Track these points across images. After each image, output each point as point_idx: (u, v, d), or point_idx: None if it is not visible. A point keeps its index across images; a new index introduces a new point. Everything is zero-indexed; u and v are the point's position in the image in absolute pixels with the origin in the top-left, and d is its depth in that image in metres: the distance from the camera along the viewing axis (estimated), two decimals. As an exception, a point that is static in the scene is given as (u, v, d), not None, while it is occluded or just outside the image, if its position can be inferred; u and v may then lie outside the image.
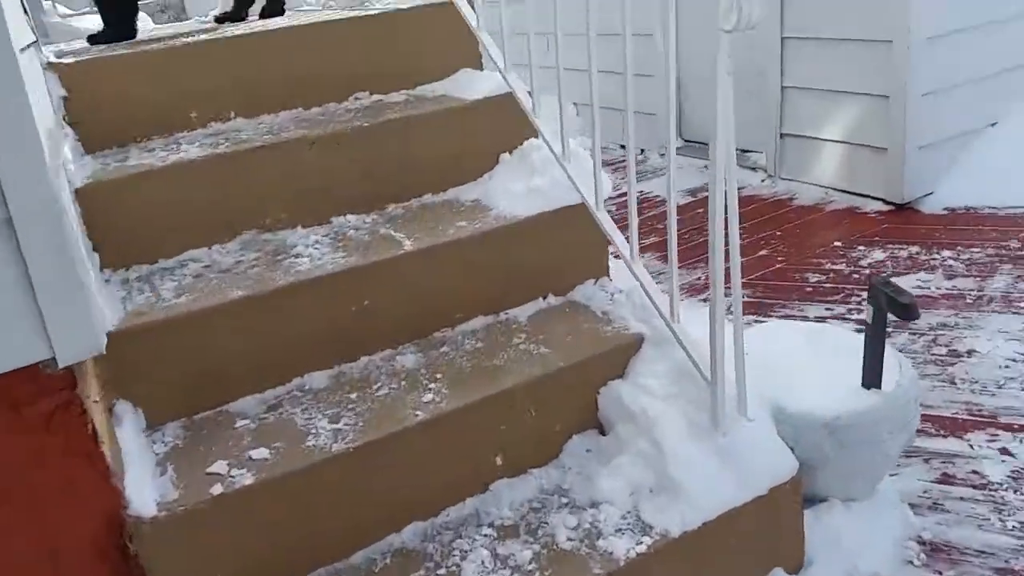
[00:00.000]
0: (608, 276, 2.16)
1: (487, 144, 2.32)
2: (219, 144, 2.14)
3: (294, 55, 2.40)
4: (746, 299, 2.38)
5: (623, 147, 4.14)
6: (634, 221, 1.81)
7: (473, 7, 2.39)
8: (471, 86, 2.44)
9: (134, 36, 2.92)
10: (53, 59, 2.13)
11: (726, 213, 1.47)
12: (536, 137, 2.23)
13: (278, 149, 2.12)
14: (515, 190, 2.13)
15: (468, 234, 2.01)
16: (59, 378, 1.37)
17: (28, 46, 1.87)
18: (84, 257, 1.36)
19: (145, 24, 3.90)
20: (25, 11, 2.05)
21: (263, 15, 3.17)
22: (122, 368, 1.73)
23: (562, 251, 2.10)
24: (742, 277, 1.55)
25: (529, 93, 2.19)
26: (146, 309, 1.81)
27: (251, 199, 2.11)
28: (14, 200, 1.26)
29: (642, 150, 5.09)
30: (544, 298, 2.10)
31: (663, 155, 4.25)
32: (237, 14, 3.18)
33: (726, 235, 1.49)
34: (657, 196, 4.48)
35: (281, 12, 3.20)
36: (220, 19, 3.15)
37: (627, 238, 1.84)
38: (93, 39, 2.89)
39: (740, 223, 1.51)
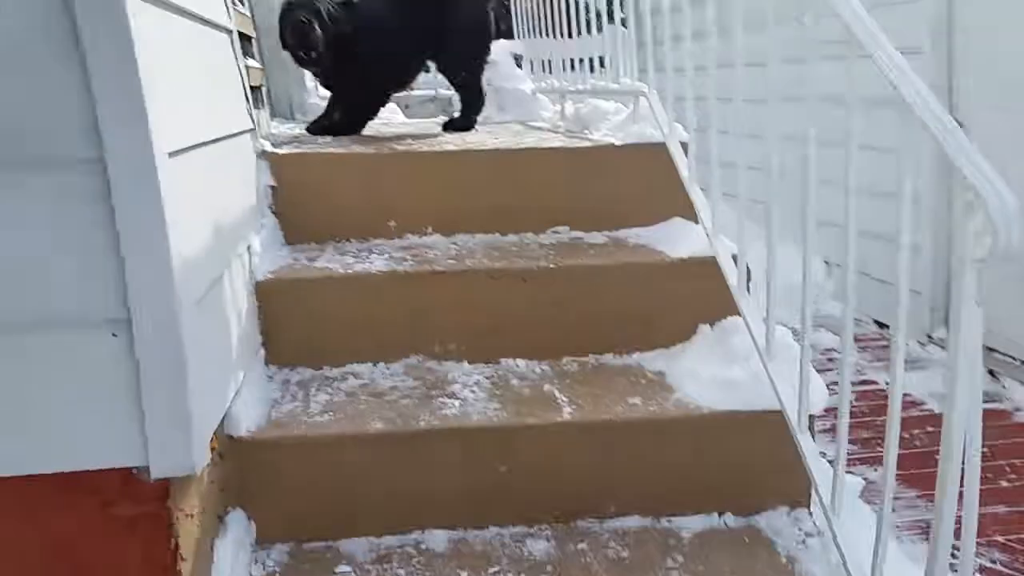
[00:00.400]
0: (808, 508, 1.76)
1: (685, 311, 2.08)
2: (405, 259, 2.09)
3: (499, 177, 2.33)
4: (998, 567, 1.78)
5: (880, 324, 3.68)
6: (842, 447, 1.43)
7: (687, 154, 2.20)
8: (676, 241, 2.21)
9: (358, 132, 3.01)
10: (268, 148, 2.19)
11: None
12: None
13: (460, 277, 2.02)
14: (706, 375, 1.86)
15: (640, 416, 1.76)
16: (150, 488, 1.30)
17: (240, 132, 1.93)
18: (199, 387, 1.29)
19: (394, 116, 4.12)
20: (247, 98, 2.13)
21: (446, 127, 3.16)
22: (248, 476, 1.67)
23: (752, 462, 1.76)
24: (982, 536, 1.12)
25: (734, 257, 1.92)
26: (288, 420, 1.73)
27: (425, 323, 2.02)
28: (135, 302, 1.23)
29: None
30: (720, 515, 1.75)
31: (924, 344, 3.63)
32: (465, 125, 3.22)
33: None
34: (908, 396, 3.60)
35: (468, 128, 3.18)
36: (446, 126, 3.21)
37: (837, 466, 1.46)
38: (313, 127, 3.01)
39: (1013, 457, 1.09)
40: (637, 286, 2.09)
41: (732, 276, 1.90)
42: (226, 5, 2.05)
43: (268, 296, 1.92)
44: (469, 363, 2.04)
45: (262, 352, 1.93)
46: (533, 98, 3.90)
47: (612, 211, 2.40)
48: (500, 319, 2.05)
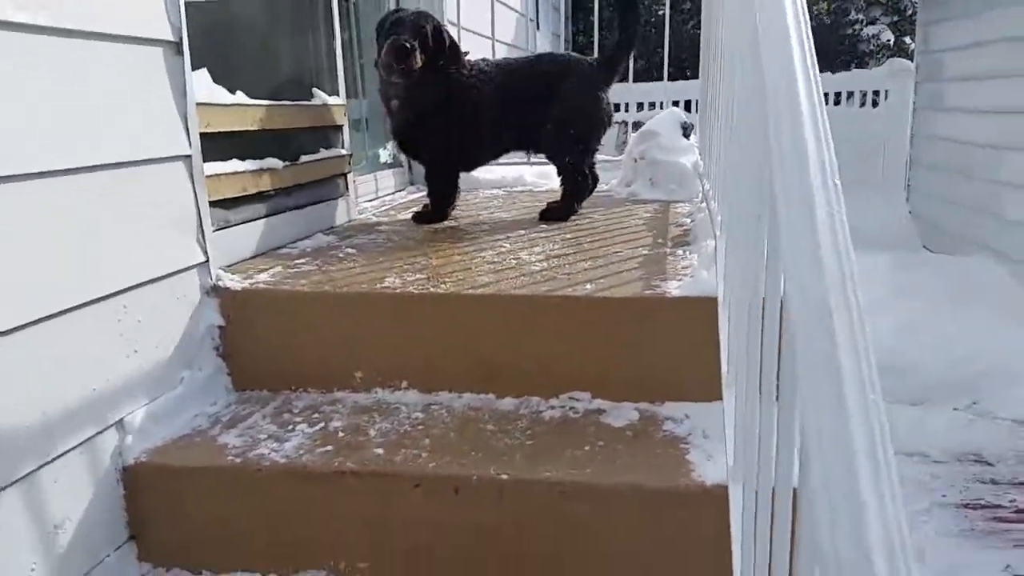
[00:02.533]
0: None
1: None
2: (338, 437, 1.61)
3: (510, 323, 1.75)
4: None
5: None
6: None
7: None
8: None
9: (445, 216, 2.68)
10: (224, 282, 1.84)
11: None
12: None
13: (378, 482, 1.49)
14: None
15: None
16: None
17: (157, 279, 1.61)
18: None
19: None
20: (201, 229, 1.79)
21: (543, 215, 2.69)
22: None
23: None
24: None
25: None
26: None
27: (337, 532, 1.53)
28: None
29: None
30: None
31: None
32: (563, 213, 2.65)
33: None
34: None
35: (565, 217, 2.68)
36: (544, 215, 2.67)
37: None
38: (417, 217, 2.69)
39: None
40: (642, 522, 1.40)
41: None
42: (186, 128, 1.75)
43: (138, 482, 1.56)
44: (381, 596, 1.51)
45: (132, 547, 1.58)
46: (694, 175, 3.17)
47: (653, 378, 1.70)
48: (429, 537, 1.49)
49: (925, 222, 5.74)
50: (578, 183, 2.66)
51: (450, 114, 2.55)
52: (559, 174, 2.70)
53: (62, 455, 1.41)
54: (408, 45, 2.39)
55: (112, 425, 1.54)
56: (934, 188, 5.63)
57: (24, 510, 1.32)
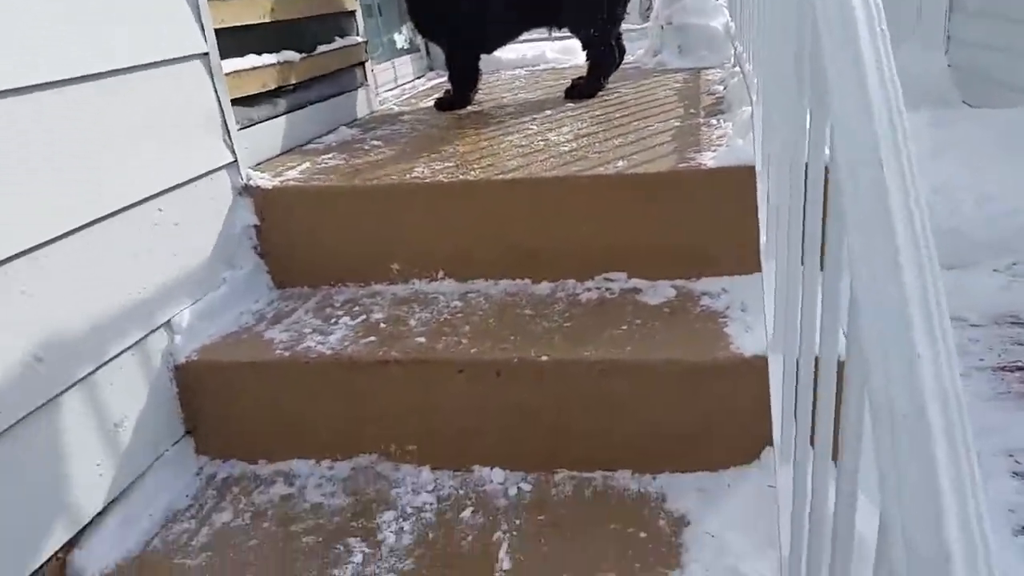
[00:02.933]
0: None
1: (747, 426, 1.38)
2: (380, 328, 1.64)
3: (540, 207, 1.73)
4: None
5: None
6: None
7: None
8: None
9: (467, 102, 2.61)
10: (254, 181, 1.82)
11: None
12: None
13: (421, 368, 1.52)
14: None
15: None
16: None
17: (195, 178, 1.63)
18: None
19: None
20: (226, 128, 1.77)
21: (569, 93, 2.60)
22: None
23: None
24: None
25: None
26: (155, 559, 1.43)
27: (385, 418, 1.58)
28: None
29: None
30: None
31: None
32: (589, 90, 2.57)
33: None
34: None
35: (591, 94, 2.59)
36: (569, 93, 2.59)
37: None
38: (439, 104, 2.63)
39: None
40: (681, 396, 1.42)
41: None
42: (200, 24, 1.69)
43: (190, 380, 1.61)
44: (432, 470, 1.58)
45: (189, 441, 1.65)
46: (725, 38, 3.03)
47: (689, 254, 1.68)
48: (472, 419, 1.53)
49: (965, 74, 5.44)
50: (604, 56, 2.56)
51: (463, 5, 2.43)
52: (584, 48, 2.59)
53: (115, 357, 1.46)
54: None
55: (160, 326, 1.58)
56: (976, 36, 5.30)
57: (85, 411, 1.38)
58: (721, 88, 2.40)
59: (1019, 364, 2.55)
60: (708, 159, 1.65)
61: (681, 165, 1.65)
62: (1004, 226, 3.34)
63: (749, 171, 1.51)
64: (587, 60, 2.59)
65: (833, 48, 0.56)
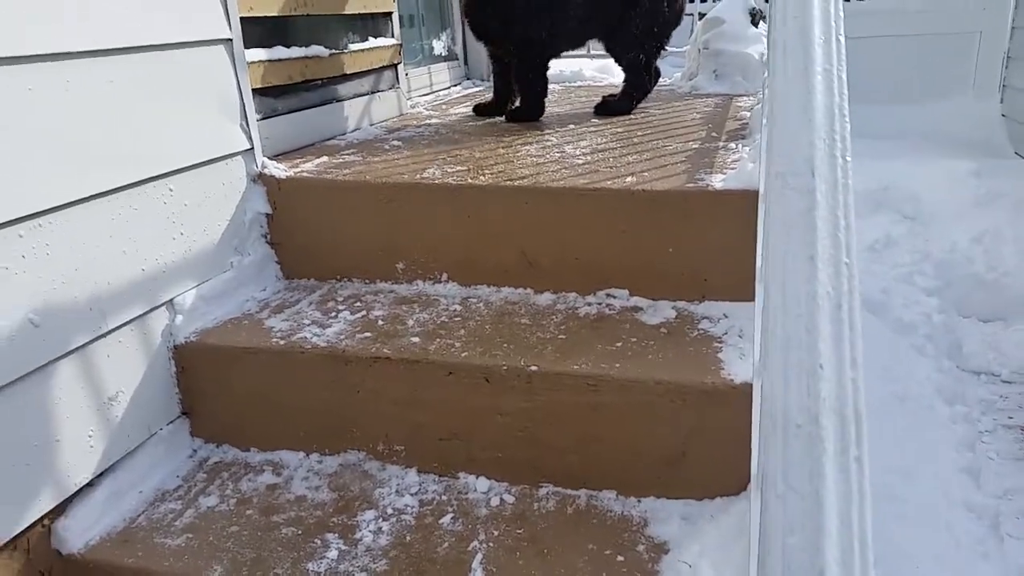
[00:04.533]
0: None
1: (728, 453, 1.36)
2: (378, 325, 1.65)
3: (554, 218, 1.73)
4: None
5: None
6: None
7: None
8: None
9: (540, 116, 2.55)
10: (269, 170, 1.85)
11: None
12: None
13: (412, 368, 1.52)
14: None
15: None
16: None
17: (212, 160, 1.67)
18: None
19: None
20: (245, 115, 1.80)
21: (599, 110, 2.60)
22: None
23: None
24: None
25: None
26: (138, 536, 1.45)
27: (375, 415, 1.58)
28: None
29: None
30: None
31: None
32: (622, 107, 2.57)
33: None
34: None
35: (625, 112, 2.59)
36: (599, 109, 2.59)
37: None
38: (479, 108, 2.66)
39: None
40: (668, 418, 1.40)
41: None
42: (226, 10, 1.73)
43: (189, 361, 1.64)
44: (419, 473, 1.58)
45: (185, 423, 1.67)
46: (760, 65, 3.01)
47: (692, 276, 1.67)
48: (470, 424, 1.53)
49: (1020, 124, 5.33)
50: (643, 80, 2.58)
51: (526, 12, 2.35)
52: (625, 68, 2.59)
53: (114, 330, 1.48)
54: None
55: (163, 304, 1.61)
56: (1032, 86, 5.20)
57: (78, 380, 1.41)
58: (748, 114, 2.38)
59: (1049, 426, 2.47)
60: (717, 181, 1.64)
61: (689, 185, 1.64)
62: (1045, 283, 3.25)
63: (755, 195, 1.50)
64: (625, 80, 2.59)
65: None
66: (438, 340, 1.58)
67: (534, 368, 1.46)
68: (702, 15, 3.39)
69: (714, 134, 2.16)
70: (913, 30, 6.00)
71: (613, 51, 2.61)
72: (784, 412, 0.41)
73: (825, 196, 0.44)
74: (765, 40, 3.06)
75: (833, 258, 0.44)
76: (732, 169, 1.71)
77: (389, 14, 2.63)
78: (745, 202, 1.54)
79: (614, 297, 1.73)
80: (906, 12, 6.07)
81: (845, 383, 0.42)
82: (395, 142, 2.25)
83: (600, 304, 1.71)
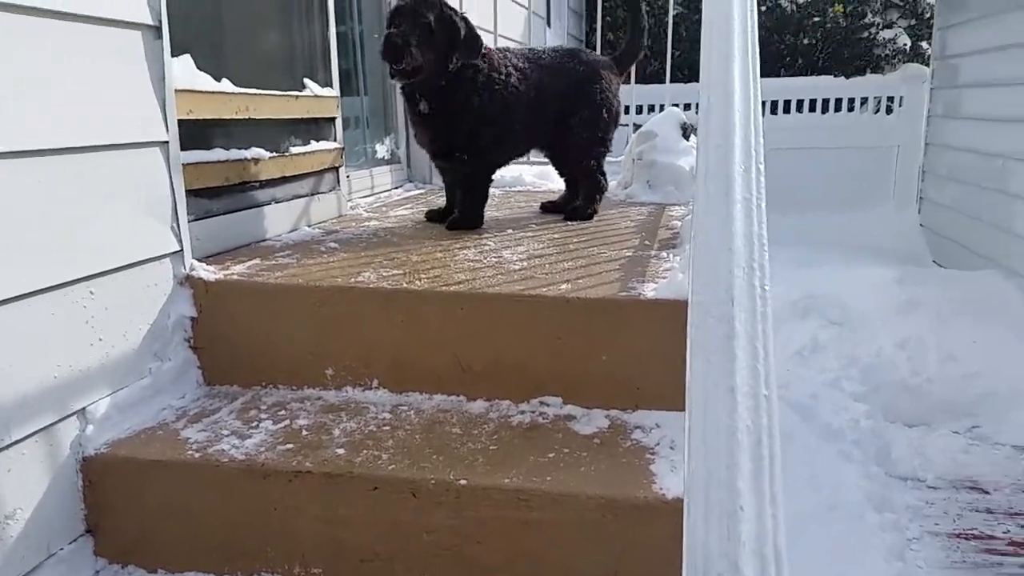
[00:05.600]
0: None
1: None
2: (301, 436, 1.58)
3: (488, 325, 1.71)
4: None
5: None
6: None
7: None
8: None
9: (479, 225, 2.53)
10: (197, 272, 1.80)
11: None
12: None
13: (330, 483, 1.45)
14: None
15: None
16: None
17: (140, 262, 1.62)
18: None
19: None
20: (176, 217, 1.76)
21: (568, 216, 2.65)
22: None
23: None
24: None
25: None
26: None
27: (293, 534, 1.49)
28: None
29: None
30: None
31: None
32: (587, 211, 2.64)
33: None
34: None
35: (590, 216, 2.66)
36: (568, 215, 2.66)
37: None
38: (431, 214, 2.65)
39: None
40: (598, 533, 1.36)
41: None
42: (164, 113, 1.72)
43: (98, 474, 1.53)
44: (337, 599, 1.47)
45: (88, 541, 1.55)
46: (691, 176, 3.12)
47: (625, 384, 1.66)
48: (384, 543, 1.45)
49: (936, 235, 5.64)
50: (600, 181, 2.68)
51: (482, 112, 2.33)
52: (577, 175, 2.69)
53: (17, 442, 1.38)
54: (400, 41, 2.13)
55: (74, 414, 1.51)
56: (946, 199, 5.53)
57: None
58: (679, 223, 2.45)
59: (975, 532, 2.49)
60: (649, 290, 1.66)
61: (622, 293, 1.65)
62: (966, 388, 3.35)
63: (685, 305, 1.51)
64: (582, 188, 2.68)
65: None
66: (364, 452, 1.52)
67: (463, 482, 1.41)
68: (637, 126, 3.53)
69: (647, 242, 2.20)
70: (837, 144, 6.39)
71: (565, 154, 2.68)
72: (705, 557, 0.39)
73: (744, 325, 0.44)
74: (695, 152, 3.20)
75: (752, 390, 0.42)
76: (663, 279, 1.74)
77: (333, 119, 2.66)
78: (676, 311, 1.55)
79: (547, 405, 1.71)
80: (832, 127, 6.48)
81: (765, 521, 0.40)
82: (332, 244, 2.23)
83: (533, 412, 1.68)
